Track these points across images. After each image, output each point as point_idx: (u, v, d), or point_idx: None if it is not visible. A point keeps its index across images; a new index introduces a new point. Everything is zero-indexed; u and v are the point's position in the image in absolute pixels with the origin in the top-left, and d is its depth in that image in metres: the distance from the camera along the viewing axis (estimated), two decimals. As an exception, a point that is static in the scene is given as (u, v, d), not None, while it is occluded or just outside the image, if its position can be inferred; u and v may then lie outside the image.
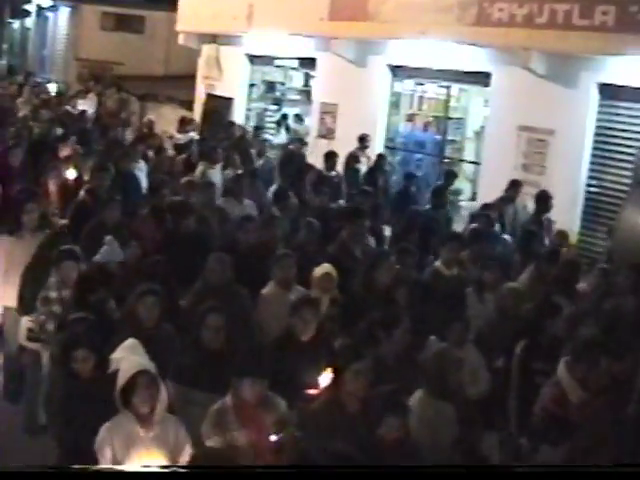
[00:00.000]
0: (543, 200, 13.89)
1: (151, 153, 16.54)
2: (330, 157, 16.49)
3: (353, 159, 17.03)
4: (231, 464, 6.24)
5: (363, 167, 17.02)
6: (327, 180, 15.11)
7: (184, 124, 21.00)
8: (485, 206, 13.65)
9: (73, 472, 3.19)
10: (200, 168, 15.45)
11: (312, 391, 7.58)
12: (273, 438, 6.62)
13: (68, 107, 23.65)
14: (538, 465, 6.92)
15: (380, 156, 17.56)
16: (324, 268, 9.92)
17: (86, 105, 24.78)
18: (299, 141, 19.34)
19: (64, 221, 11.75)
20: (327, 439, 6.58)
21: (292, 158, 17.72)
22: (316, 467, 3.81)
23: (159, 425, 6.67)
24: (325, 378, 7.47)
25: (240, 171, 14.88)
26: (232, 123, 21.55)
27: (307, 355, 7.98)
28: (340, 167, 16.78)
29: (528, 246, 12.27)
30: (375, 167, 16.92)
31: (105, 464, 6.52)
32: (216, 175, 15.13)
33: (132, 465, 6.36)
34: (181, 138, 19.73)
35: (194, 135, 20.02)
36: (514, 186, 14.54)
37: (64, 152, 15.02)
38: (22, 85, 28.34)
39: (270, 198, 13.54)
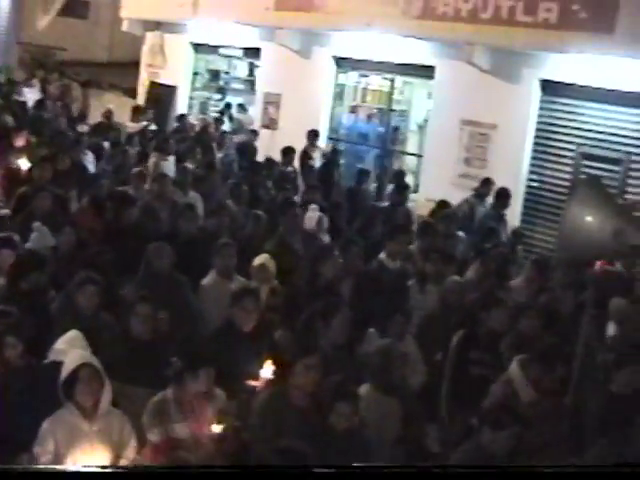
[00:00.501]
0: (503, 196, 14.05)
1: (107, 144, 16.30)
2: (287, 153, 16.40)
3: (305, 155, 16.96)
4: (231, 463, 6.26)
5: (316, 162, 17.00)
6: (287, 176, 15.15)
7: (137, 113, 20.62)
8: (443, 203, 13.71)
9: (71, 472, 3.19)
10: (152, 160, 15.30)
11: (253, 382, 7.60)
12: (215, 429, 6.63)
13: (15, 95, 23.13)
14: (536, 465, 6.98)
15: (334, 150, 17.58)
16: (261, 259, 9.99)
17: (31, 92, 24.09)
18: (252, 132, 19.23)
19: (5, 211, 11.61)
20: (274, 433, 6.60)
21: (245, 150, 17.62)
22: (315, 467, 3.81)
23: (103, 419, 6.63)
24: (266, 370, 7.49)
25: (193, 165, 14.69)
26: (183, 115, 21.33)
27: (248, 346, 7.99)
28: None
29: (487, 242, 12.41)
30: (329, 162, 16.89)
31: (46, 457, 6.47)
32: (169, 167, 14.99)
33: (130, 465, 6.30)
34: (134, 127, 19.29)
35: (147, 124, 19.58)
36: (486, 184, 14.60)
37: (19, 142, 14.76)
38: None
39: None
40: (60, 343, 7.35)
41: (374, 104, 19.95)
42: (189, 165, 14.87)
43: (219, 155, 17.07)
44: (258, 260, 9.95)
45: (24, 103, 21.52)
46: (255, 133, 19.10)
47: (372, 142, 19.68)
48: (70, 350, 7.01)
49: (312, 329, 8.29)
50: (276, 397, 7.13)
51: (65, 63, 31.36)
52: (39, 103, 21.22)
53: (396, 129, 19.47)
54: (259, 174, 14.94)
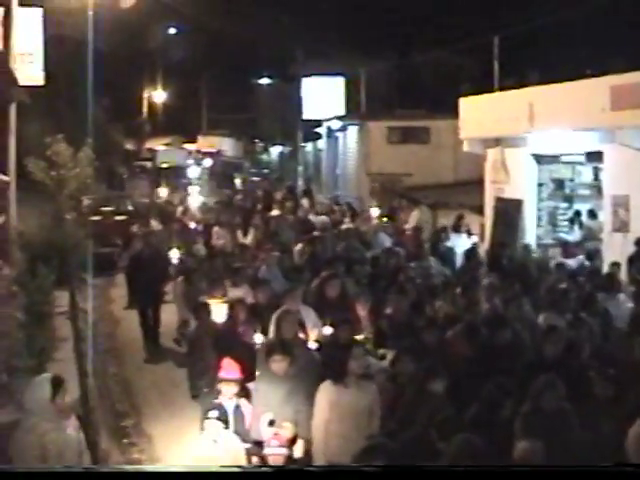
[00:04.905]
0: None
1: None
2: None
3: None
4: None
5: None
6: None
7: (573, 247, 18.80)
8: None
9: (73, 472, 3.21)
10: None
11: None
12: None
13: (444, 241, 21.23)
14: (539, 465, 6.74)
15: None
16: None
17: (457, 237, 21.71)
18: None
19: None
20: None
21: None
22: (317, 467, 3.63)
23: None
24: None
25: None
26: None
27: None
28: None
29: None
30: None
31: None
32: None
33: (132, 466, 6.14)
34: (570, 264, 17.72)
35: (583, 260, 17.79)
36: None
37: None
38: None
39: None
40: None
41: None
42: None
43: None
44: None
45: (451, 250, 20.25)
46: None
47: None
48: None
49: None
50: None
51: (412, 188, 32.33)
52: (471, 252, 19.17)
53: None
54: None
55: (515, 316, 12.51)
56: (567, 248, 18.89)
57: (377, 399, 9.99)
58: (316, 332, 12.55)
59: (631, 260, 15.98)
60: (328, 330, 12.31)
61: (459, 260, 18.85)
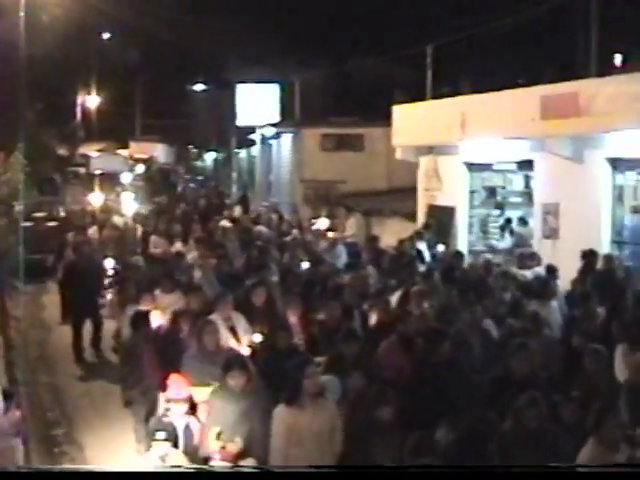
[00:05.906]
0: None
1: None
2: None
3: None
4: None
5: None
6: None
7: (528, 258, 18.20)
8: None
9: (72, 472, 3.26)
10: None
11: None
12: None
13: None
14: (538, 465, 6.52)
15: None
16: None
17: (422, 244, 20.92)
18: None
19: None
20: None
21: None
22: (318, 467, 3.68)
23: None
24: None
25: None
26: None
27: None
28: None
29: None
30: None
31: None
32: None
33: (133, 465, 6.04)
34: (526, 274, 17.13)
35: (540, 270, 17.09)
36: None
37: None
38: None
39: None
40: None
41: (657, 201, 19.26)
42: None
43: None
44: None
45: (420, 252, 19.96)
46: None
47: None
48: None
49: None
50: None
51: (346, 195, 32.46)
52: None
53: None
54: None
55: (466, 323, 12.27)
56: (523, 258, 18.88)
57: (337, 414, 9.59)
58: (247, 339, 12.51)
59: (582, 273, 16.09)
60: (258, 337, 12.27)
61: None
